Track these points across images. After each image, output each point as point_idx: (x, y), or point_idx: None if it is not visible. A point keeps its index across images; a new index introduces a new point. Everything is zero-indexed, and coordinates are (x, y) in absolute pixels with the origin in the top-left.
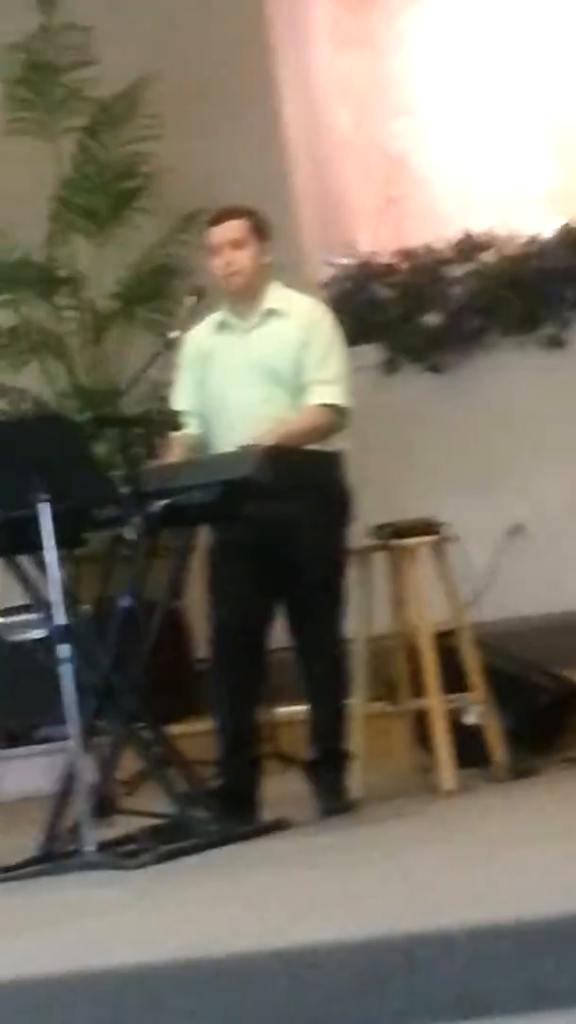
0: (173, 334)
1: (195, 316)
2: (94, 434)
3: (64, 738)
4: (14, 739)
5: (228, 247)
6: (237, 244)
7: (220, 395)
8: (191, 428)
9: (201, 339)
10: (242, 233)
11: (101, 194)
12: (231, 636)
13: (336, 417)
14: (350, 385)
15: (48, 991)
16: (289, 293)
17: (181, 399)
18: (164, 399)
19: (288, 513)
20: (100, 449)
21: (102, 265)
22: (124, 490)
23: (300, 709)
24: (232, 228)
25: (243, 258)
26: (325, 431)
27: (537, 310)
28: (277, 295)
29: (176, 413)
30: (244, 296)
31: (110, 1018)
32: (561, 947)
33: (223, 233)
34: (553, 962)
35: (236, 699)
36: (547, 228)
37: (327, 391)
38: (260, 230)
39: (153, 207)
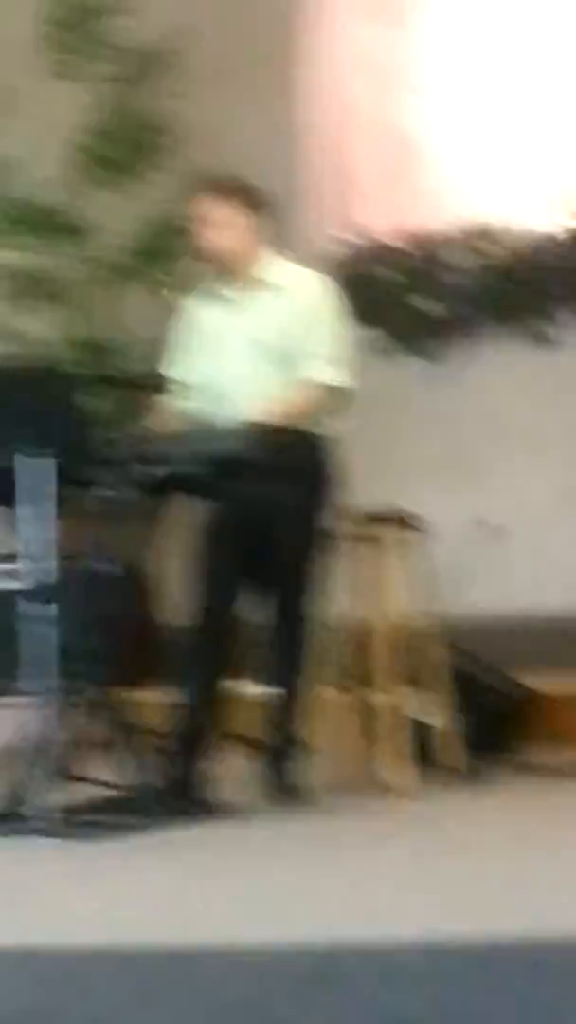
0: (172, 295)
1: (195, 279)
2: (88, 390)
3: (25, 694)
4: None
5: (206, 224)
6: (215, 222)
7: (213, 369)
8: (181, 398)
9: (197, 310)
10: (222, 212)
11: (125, 145)
12: (210, 614)
13: (334, 397)
14: (352, 365)
15: None
16: (289, 266)
17: (174, 368)
18: (159, 361)
19: (273, 494)
20: (92, 406)
21: (114, 217)
22: (112, 452)
23: (256, 688)
24: (213, 206)
25: (220, 237)
26: (322, 411)
27: (530, 306)
28: (275, 268)
29: (167, 379)
30: (233, 269)
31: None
32: (466, 969)
33: (204, 209)
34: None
35: (203, 675)
36: (550, 224)
37: (327, 370)
38: (248, 206)
39: (169, 164)
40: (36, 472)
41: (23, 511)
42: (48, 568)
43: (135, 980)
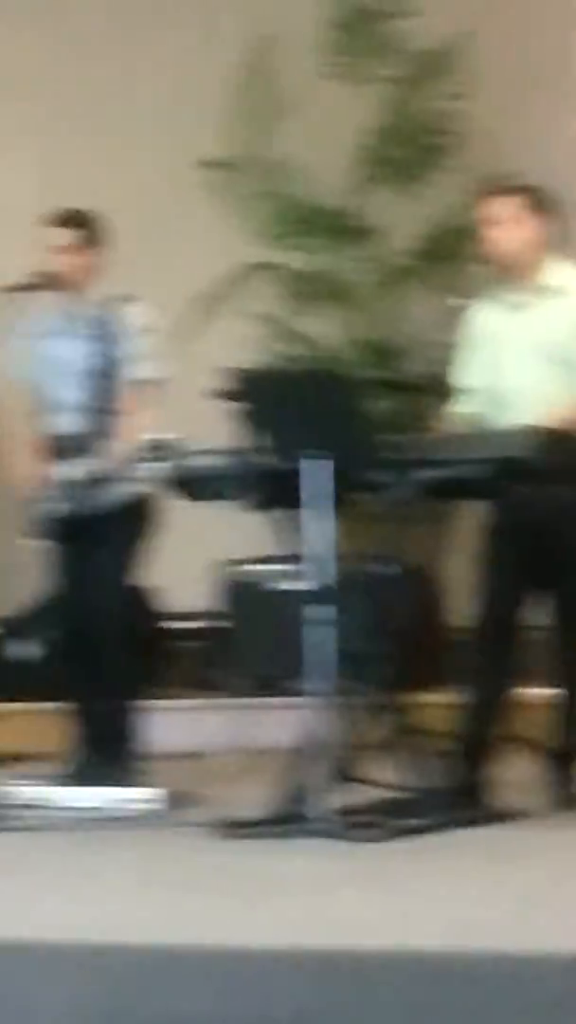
0: (460, 300)
1: (480, 282)
2: (372, 393)
3: (311, 694)
4: (264, 688)
5: (492, 225)
6: (501, 222)
7: (500, 375)
8: (469, 405)
9: (483, 317)
10: (508, 211)
11: (409, 147)
12: (496, 616)
13: None
14: None
15: (246, 965)
16: (573, 269)
17: (462, 376)
18: (445, 365)
19: (556, 498)
20: (377, 408)
21: (397, 220)
22: (396, 455)
23: (542, 692)
24: (497, 205)
25: (506, 237)
26: None
27: None
28: (559, 271)
29: (455, 387)
30: (516, 272)
31: (319, 1002)
32: None
33: (488, 210)
34: None
35: (490, 678)
36: None
37: None
38: (534, 206)
39: (454, 166)
40: (319, 474)
41: (306, 513)
42: (330, 570)
43: (416, 983)
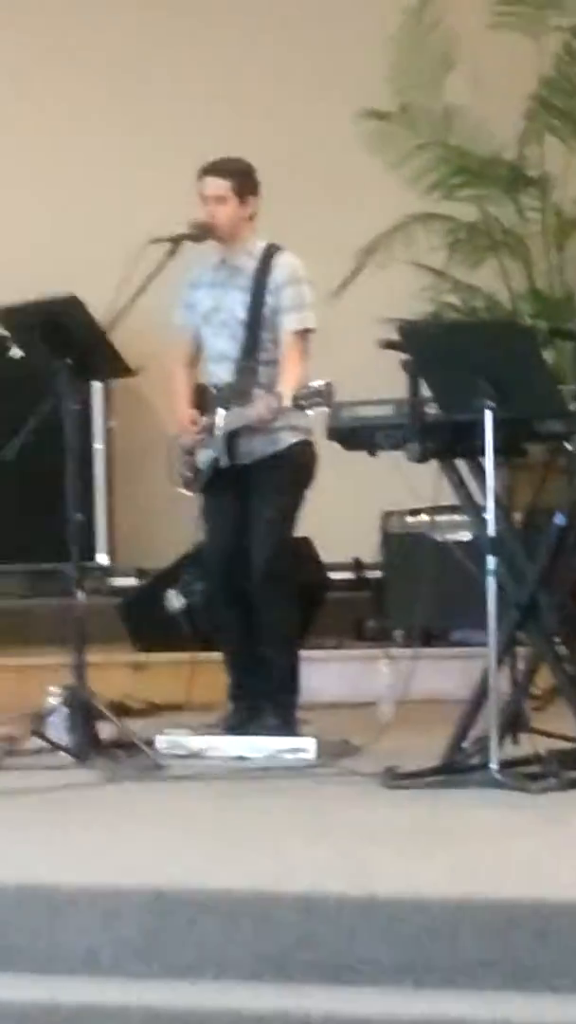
0: None
1: None
2: (546, 343)
3: (479, 645)
4: (429, 639)
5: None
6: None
7: None
8: None
9: None
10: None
11: None
12: None
13: None
14: None
15: (427, 917)
16: None
17: None
18: None
19: None
20: (550, 359)
21: (572, 170)
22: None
23: None
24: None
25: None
26: None
27: None
28: None
29: None
30: None
31: (498, 952)
32: None
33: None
34: None
35: None
36: None
37: None
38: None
39: None
40: (499, 424)
41: (486, 463)
42: (504, 519)
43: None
